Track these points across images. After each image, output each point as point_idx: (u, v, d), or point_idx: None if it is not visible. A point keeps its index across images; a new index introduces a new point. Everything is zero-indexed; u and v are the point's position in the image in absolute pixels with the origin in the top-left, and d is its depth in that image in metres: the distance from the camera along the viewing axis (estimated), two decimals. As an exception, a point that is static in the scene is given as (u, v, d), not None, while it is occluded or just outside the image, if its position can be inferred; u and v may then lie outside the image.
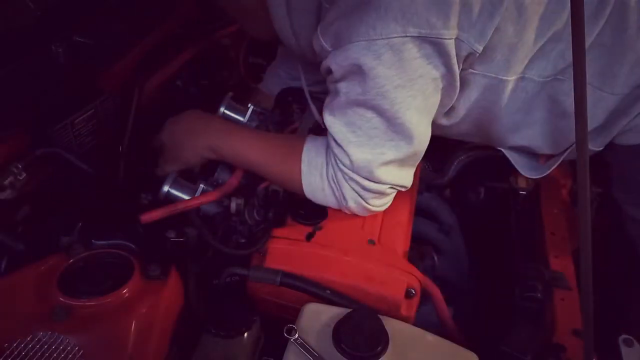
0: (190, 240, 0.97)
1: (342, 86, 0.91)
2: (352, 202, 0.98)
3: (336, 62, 0.89)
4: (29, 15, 0.80)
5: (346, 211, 1.01)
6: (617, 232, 1.12)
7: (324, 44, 0.90)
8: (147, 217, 0.95)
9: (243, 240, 1.01)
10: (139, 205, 1.02)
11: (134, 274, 0.78)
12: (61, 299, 0.74)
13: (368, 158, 0.93)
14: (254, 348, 0.84)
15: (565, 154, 1.06)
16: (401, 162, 0.96)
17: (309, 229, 0.98)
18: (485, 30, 0.88)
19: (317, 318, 0.83)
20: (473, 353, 0.83)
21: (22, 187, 0.92)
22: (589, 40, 0.95)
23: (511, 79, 0.96)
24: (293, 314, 0.85)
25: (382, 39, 0.83)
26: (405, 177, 0.99)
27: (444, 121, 1.04)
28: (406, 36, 0.83)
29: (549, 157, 1.11)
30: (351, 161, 0.94)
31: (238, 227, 1.03)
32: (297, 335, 0.79)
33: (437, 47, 0.85)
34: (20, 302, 0.75)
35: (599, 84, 0.98)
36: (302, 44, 1.04)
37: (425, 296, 0.98)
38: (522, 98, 1.00)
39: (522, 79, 0.97)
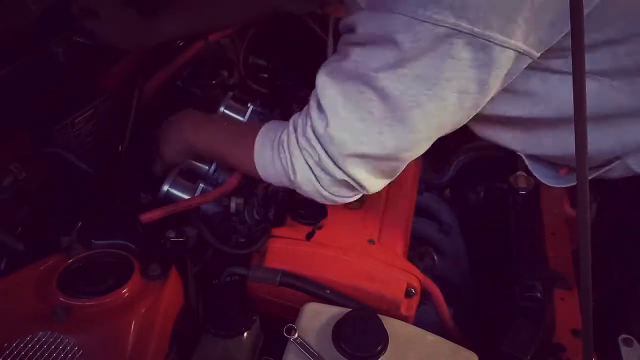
0: (190, 240, 0.97)
1: (357, 53, 0.80)
2: (302, 177, 0.88)
3: (364, 25, 0.78)
4: (29, 15, 0.80)
5: (300, 192, 0.92)
6: (618, 231, 1.12)
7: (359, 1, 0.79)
8: (147, 217, 0.95)
9: (243, 240, 1.01)
10: (139, 205, 1.02)
11: (134, 274, 0.78)
12: (61, 299, 0.74)
13: (345, 139, 0.82)
14: (253, 348, 0.84)
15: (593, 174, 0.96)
16: (377, 161, 0.85)
17: (309, 229, 0.98)
18: (550, 41, 0.77)
19: (317, 318, 0.83)
20: (473, 353, 0.83)
21: (22, 187, 0.92)
22: None
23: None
24: (293, 314, 0.85)
25: (429, 22, 0.72)
26: (372, 179, 0.88)
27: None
28: (455, 29, 0.71)
29: (569, 169, 1.03)
30: (327, 126, 0.82)
31: (238, 227, 1.03)
32: (297, 335, 0.79)
33: (485, 54, 0.73)
34: (20, 302, 0.75)
35: None
36: None
37: (425, 296, 0.98)
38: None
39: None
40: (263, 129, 0.94)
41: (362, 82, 0.79)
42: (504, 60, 0.75)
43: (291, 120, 0.90)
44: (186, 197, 1.04)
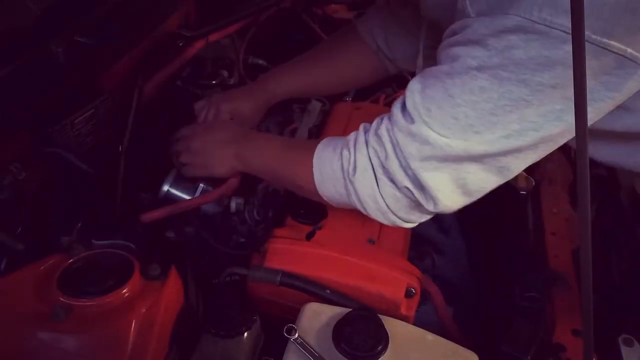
0: (190, 240, 0.97)
1: (457, 52, 0.74)
2: (361, 177, 0.82)
3: (474, 29, 0.72)
4: (29, 15, 0.80)
5: (357, 205, 0.86)
6: (618, 231, 1.12)
7: (469, 7, 0.73)
8: (148, 217, 0.95)
9: (243, 240, 1.01)
10: (139, 205, 1.02)
11: (134, 274, 0.78)
12: (61, 299, 0.74)
13: (430, 139, 0.76)
14: (254, 348, 0.84)
15: None
16: (460, 162, 0.78)
17: (309, 229, 0.98)
18: None
19: (317, 318, 0.83)
20: (473, 353, 0.83)
21: (22, 187, 0.92)
22: None
23: None
24: (293, 314, 0.85)
25: (545, 25, 0.67)
26: (446, 190, 0.80)
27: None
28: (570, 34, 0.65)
29: None
30: (413, 122, 0.76)
31: (238, 227, 1.03)
32: (297, 335, 0.79)
33: (600, 61, 0.69)
34: (20, 302, 0.75)
35: None
36: None
37: (425, 296, 0.98)
38: None
39: None
40: (325, 140, 0.91)
41: (454, 84, 0.74)
42: (614, 67, 0.70)
43: (361, 125, 0.86)
44: (186, 197, 1.04)
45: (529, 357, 0.87)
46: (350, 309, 0.84)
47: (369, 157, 0.82)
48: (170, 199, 1.04)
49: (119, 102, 1.09)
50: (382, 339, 0.79)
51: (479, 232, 1.28)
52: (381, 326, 0.81)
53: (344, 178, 0.85)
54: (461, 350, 0.83)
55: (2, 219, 0.89)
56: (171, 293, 0.81)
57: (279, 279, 0.90)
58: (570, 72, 0.58)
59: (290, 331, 0.80)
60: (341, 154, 0.85)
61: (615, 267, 1.08)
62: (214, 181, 1.08)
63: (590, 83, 0.69)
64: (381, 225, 1.02)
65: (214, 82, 1.30)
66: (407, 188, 0.81)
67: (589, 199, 0.58)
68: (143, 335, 0.73)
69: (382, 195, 0.83)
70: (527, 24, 0.68)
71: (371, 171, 0.82)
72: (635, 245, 1.09)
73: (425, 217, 0.88)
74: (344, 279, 0.92)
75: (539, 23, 0.67)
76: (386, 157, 0.80)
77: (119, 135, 1.07)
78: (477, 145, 0.76)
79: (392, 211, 0.85)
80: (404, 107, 0.80)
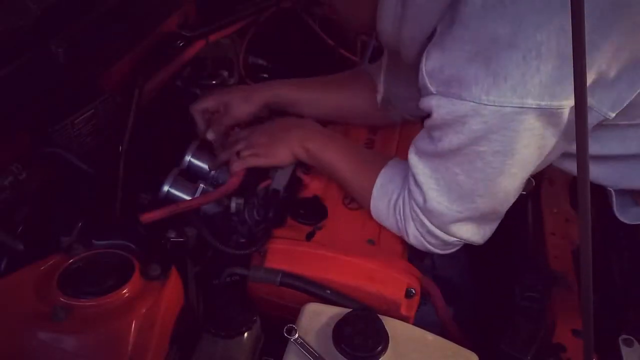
0: (190, 240, 0.97)
1: (438, 135, 0.86)
2: (414, 239, 0.97)
3: (438, 110, 0.83)
4: (29, 15, 0.80)
5: (403, 236, 0.99)
6: (618, 231, 1.12)
7: (429, 85, 0.83)
8: (148, 217, 0.95)
9: (243, 240, 1.01)
10: (139, 205, 1.02)
11: (134, 274, 0.78)
12: (61, 299, 0.74)
13: (443, 210, 0.90)
14: (254, 348, 0.84)
15: None
16: (479, 219, 0.93)
17: (309, 229, 0.98)
18: (621, 99, 0.80)
19: (317, 318, 0.83)
20: (473, 353, 0.83)
21: (22, 187, 0.92)
22: None
23: None
24: (293, 314, 0.85)
25: (495, 106, 0.77)
26: (480, 233, 0.95)
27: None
28: (522, 107, 0.76)
29: None
30: (425, 202, 0.90)
31: (238, 227, 1.03)
32: (297, 335, 0.80)
33: (555, 118, 0.78)
34: (20, 302, 0.75)
35: None
36: (403, 39, 0.92)
37: (425, 296, 0.98)
38: None
39: None
40: (382, 175, 0.99)
41: (446, 160, 0.87)
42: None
43: (406, 186, 0.95)
44: (186, 197, 1.04)
45: (529, 357, 0.87)
46: (350, 309, 0.84)
47: (416, 228, 0.95)
48: (170, 199, 1.04)
49: (119, 102, 1.09)
50: (382, 339, 0.79)
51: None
52: (381, 326, 0.81)
53: (399, 232, 0.99)
54: (461, 350, 0.83)
55: (2, 219, 0.89)
56: (171, 293, 0.81)
57: (279, 279, 0.90)
58: (534, 132, 0.79)
59: (291, 331, 0.80)
60: (395, 216, 0.97)
61: (615, 267, 1.07)
62: (215, 181, 1.08)
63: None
64: (381, 225, 1.02)
65: (214, 82, 1.30)
66: (452, 242, 0.96)
67: (589, 199, 0.58)
68: (143, 335, 0.73)
69: (433, 247, 0.98)
70: (480, 107, 0.78)
71: (421, 237, 0.96)
72: (635, 245, 1.09)
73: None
74: (344, 280, 0.92)
75: (490, 105, 0.77)
76: (427, 229, 0.94)
77: (119, 135, 1.07)
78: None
79: (436, 249, 0.98)
80: (415, 181, 0.92)
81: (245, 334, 0.82)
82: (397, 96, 1.18)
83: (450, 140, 0.83)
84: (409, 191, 0.94)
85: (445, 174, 0.88)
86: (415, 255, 1.06)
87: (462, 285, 1.19)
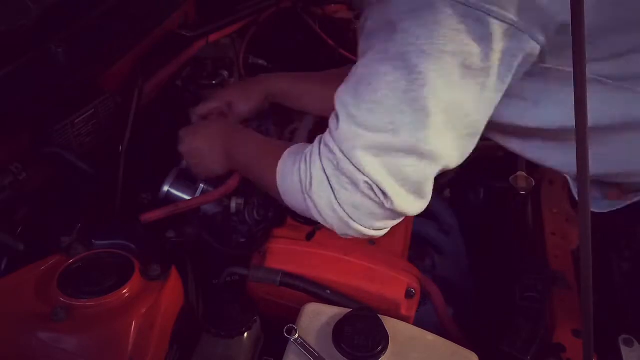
0: (190, 240, 0.97)
1: (364, 43, 0.81)
2: (318, 188, 0.82)
3: (372, 18, 0.80)
4: (29, 15, 0.80)
5: (315, 216, 0.86)
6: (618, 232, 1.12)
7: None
8: (148, 217, 0.95)
9: (243, 240, 1.01)
10: (139, 205, 1.02)
11: (134, 274, 0.78)
12: (61, 299, 0.74)
13: (357, 132, 0.78)
14: (254, 348, 0.84)
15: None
16: (395, 154, 0.78)
17: (309, 229, 0.98)
18: (553, 21, 0.74)
19: (317, 318, 0.83)
20: (473, 353, 0.83)
21: (22, 187, 0.92)
22: None
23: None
24: (293, 314, 0.85)
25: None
26: (395, 186, 0.79)
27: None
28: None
29: (619, 194, 0.98)
30: (338, 128, 0.80)
31: (238, 227, 1.03)
32: (297, 335, 0.79)
33: (482, 26, 0.71)
34: (20, 302, 0.75)
35: None
36: None
37: (426, 296, 0.98)
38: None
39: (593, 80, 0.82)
40: (293, 148, 0.92)
41: (368, 75, 0.78)
42: (501, 35, 0.72)
43: (317, 137, 0.87)
44: (186, 197, 1.04)
45: (529, 357, 0.87)
46: (351, 309, 0.84)
47: (323, 169, 0.82)
48: (170, 199, 1.04)
49: (119, 102, 1.09)
50: (382, 339, 0.79)
51: (479, 232, 1.28)
52: (381, 326, 0.81)
53: (302, 192, 0.85)
54: (461, 350, 0.83)
55: (2, 219, 0.89)
56: (171, 293, 0.81)
57: (279, 279, 0.90)
58: (457, 35, 0.71)
59: (291, 331, 0.80)
60: (299, 168, 0.85)
61: (615, 267, 1.08)
62: (214, 181, 1.08)
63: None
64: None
65: (214, 82, 1.30)
66: (367, 183, 0.79)
67: (589, 199, 0.58)
68: (143, 335, 0.73)
69: (340, 204, 0.82)
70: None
71: (326, 182, 0.82)
72: (635, 246, 1.09)
73: (390, 222, 0.86)
74: (344, 279, 0.92)
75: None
76: (337, 163, 0.81)
77: (119, 135, 1.07)
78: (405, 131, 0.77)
79: (353, 219, 0.83)
80: (336, 113, 0.83)
81: (245, 334, 0.82)
82: None
83: (379, 43, 0.77)
84: (320, 138, 0.85)
85: (365, 91, 0.78)
86: (415, 255, 1.06)
87: (462, 285, 1.19)
